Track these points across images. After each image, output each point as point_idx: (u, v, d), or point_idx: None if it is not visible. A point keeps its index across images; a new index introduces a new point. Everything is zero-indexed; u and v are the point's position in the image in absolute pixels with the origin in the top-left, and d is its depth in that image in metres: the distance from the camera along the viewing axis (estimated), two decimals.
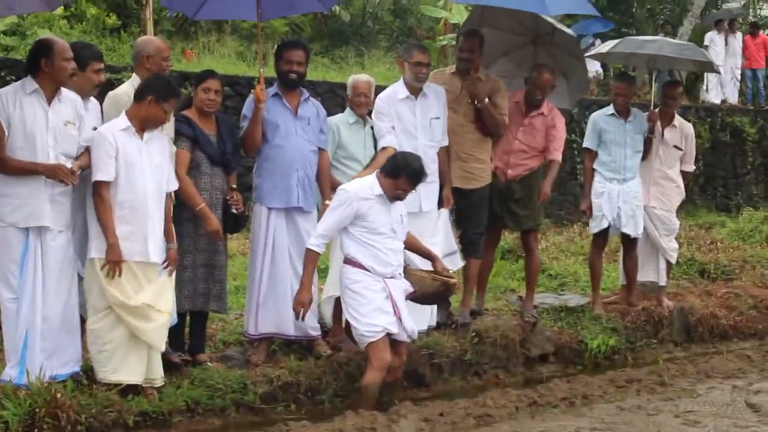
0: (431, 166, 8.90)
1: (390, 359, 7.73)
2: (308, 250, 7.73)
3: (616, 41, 11.25)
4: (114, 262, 7.23)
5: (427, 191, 9.01)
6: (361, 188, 7.76)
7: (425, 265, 8.22)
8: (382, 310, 7.68)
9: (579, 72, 10.43)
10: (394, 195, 7.76)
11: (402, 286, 7.85)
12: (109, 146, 7.22)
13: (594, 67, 19.57)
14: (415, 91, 9.06)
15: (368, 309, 7.67)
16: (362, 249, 7.71)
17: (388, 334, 7.72)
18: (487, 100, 9.28)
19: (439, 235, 9.12)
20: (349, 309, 7.79)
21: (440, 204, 9.27)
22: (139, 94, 7.42)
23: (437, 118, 9.16)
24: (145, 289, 7.37)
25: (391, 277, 7.78)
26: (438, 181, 9.20)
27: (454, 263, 9.23)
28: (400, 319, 7.75)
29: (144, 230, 7.36)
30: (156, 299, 7.41)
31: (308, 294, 7.78)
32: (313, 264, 7.77)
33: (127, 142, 7.31)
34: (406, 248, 8.01)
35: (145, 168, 7.36)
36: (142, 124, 7.39)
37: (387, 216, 7.76)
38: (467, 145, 9.43)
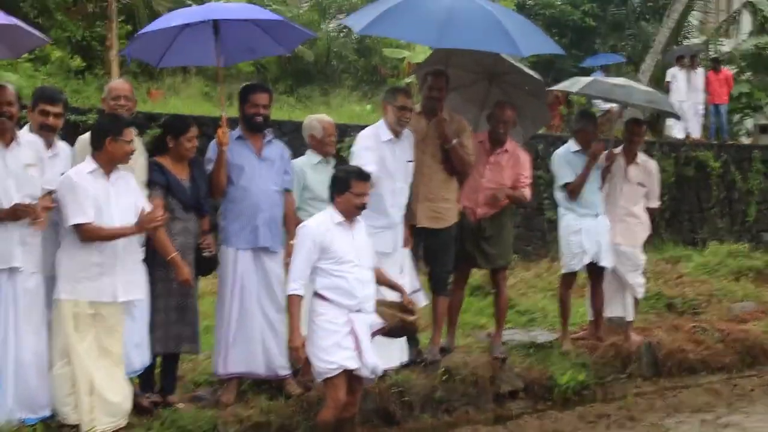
0: (403, 208, 9.13)
1: (344, 397, 7.71)
2: (290, 297, 7.67)
3: (585, 81, 11.21)
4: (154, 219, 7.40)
5: (395, 232, 9.11)
6: (320, 221, 7.79)
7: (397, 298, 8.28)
8: (340, 345, 7.63)
9: (534, 109, 10.44)
10: (358, 206, 7.77)
11: (368, 321, 7.81)
12: (81, 189, 7.24)
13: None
14: (396, 134, 9.13)
15: (326, 343, 7.64)
16: (327, 281, 7.68)
17: (348, 371, 7.72)
18: (455, 140, 9.33)
19: (405, 274, 9.16)
20: (309, 343, 7.79)
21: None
22: (96, 142, 7.44)
23: (410, 161, 9.23)
24: (112, 337, 7.40)
25: (358, 311, 7.74)
26: (404, 221, 9.28)
27: (419, 301, 9.25)
28: (360, 355, 7.75)
29: (112, 271, 7.38)
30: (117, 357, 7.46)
31: (299, 339, 7.72)
32: (298, 308, 7.67)
33: (95, 185, 7.33)
34: (376, 281, 8.05)
35: (112, 211, 7.38)
36: (111, 164, 7.42)
37: (350, 243, 7.76)
38: (435, 185, 9.43)
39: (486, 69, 10.23)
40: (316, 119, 9.35)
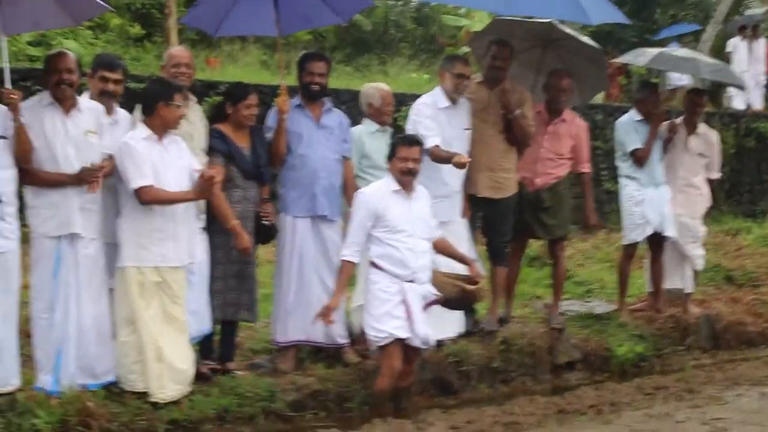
0: (462, 177, 9.10)
1: (399, 366, 7.77)
2: (343, 262, 7.80)
3: (651, 54, 10.97)
4: (212, 179, 7.40)
5: (453, 201, 9.10)
6: (377, 188, 7.87)
7: (461, 270, 8.26)
8: (391, 314, 7.70)
9: (592, 75, 10.29)
10: (406, 170, 7.79)
11: (421, 292, 7.84)
12: (138, 154, 7.28)
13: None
14: (454, 101, 9.11)
15: (378, 312, 7.73)
16: (381, 250, 7.76)
17: (402, 340, 7.76)
18: (518, 111, 9.28)
19: (464, 245, 9.15)
20: (364, 310, 7.88)
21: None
22: (147, 108, 7.47)
23: (468, 129, 9.21)
24: (176, 304, 7.47)
25: (411, 281, 7.79)
26: (463, 191, 9.28)
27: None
28: (411, 325, 7.77)
29: (175, 236, 7.45)
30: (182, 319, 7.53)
31: (336, 302, 7.86)
32: (347, 274, 7.83)
33: (151, 151, 7.37)
34: (439, 252, 8.06)
35: (169, 174, 7.42)
36: (163, 129, 7.45)
37: (406, 213, 7.80)
38: (496, 155, 9.39)
39: (540, 36, 10.11)
40: (374, 87, 9.36)
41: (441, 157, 8.70)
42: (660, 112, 10.53)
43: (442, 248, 8.14)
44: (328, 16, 9.33)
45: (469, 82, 9.17)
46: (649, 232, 10.53)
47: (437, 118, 9.01)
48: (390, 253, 7.74)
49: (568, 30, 9.96)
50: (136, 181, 7.26)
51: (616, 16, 9.80)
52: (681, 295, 11.01)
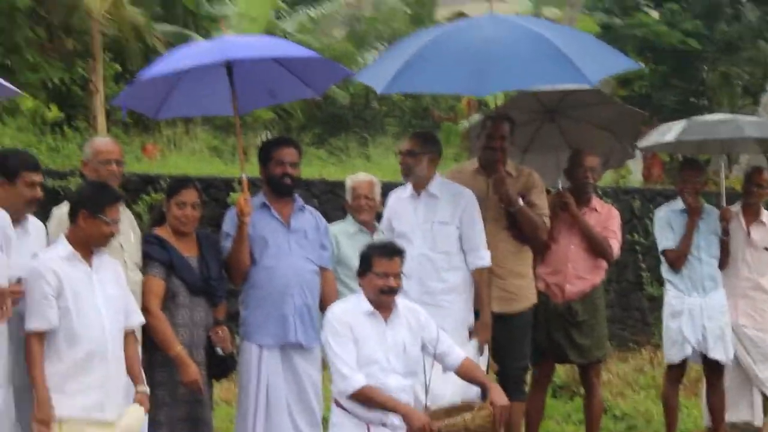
0: (428, 284, 8.88)
1: None
2: (361, 391, 7.50)
3: (680, 125, 10.93)
4: (43, 423, 7.08)
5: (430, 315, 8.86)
6: (345, 309, 7.76)
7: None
8: None
9: (605, 145, 10.42)
10: (382, 289, 7.64)
11: None
12: (46, 286, 7.09)
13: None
14: (418, 186, 9.09)
15: None
16: None
17: None
18: (520, 200, 9.21)
19: None
20: None
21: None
22: (71, 213, 7.35)
23: (445, 223, 9.03)
24: None
25: (382, 424, 7.57)
26: (452, 306, 8.98)
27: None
28: None
29: (101, 381, 7.31)
30: None
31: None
32: (380, 393, 7.54)
33: (73, 273, 7.20)
34: (463, 377, 7.88)
35: (98, 302, 7.24)
36: (87, 246, 7.30)
37: (381, 342, 7.67)
38: (502, 257, 9.25)
39: (548, 106, 10.26)
40: (351, 177, 9.40)
41: None
42: (695, 203, 10.49)
43: (466, 372, 7.87)
44: (297, 90, 9.39)
45: (415, 160, 9.06)
46: (688, 351, 10.46)
47: (395, 207, 9.09)
48: None
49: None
50: (31, 322, 7.10)
51: (620, 63, 9.77)
52: (750, 429, 10.96)
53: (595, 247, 9.85)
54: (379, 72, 9.17)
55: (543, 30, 8.83)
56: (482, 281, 9.05)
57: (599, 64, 8.89)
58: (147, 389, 7.52)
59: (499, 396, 7.61)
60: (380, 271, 7.65)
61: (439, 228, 9.01)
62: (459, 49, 8.71)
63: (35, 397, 7.07)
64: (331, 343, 7.66)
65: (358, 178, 9.34)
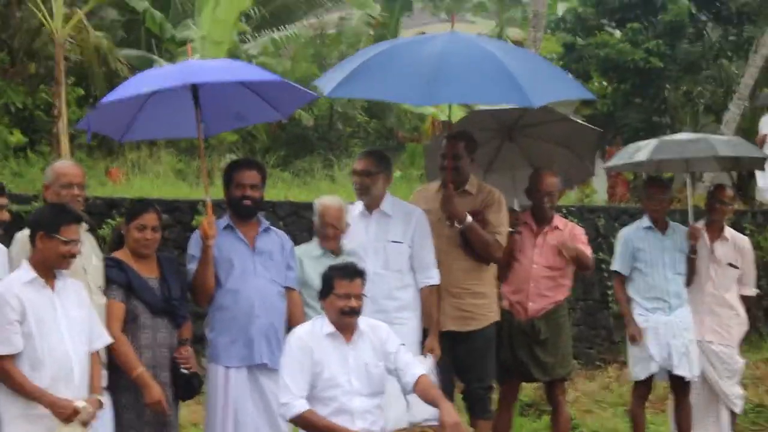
0: (381, 302, 8.86)
1: None
2: (302, 417, 7.57)
3: (649, 146, 10.95)
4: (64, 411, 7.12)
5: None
6: (311, 328, 7.81)
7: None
8: None
9: (565, 162, 10.46)
10: (343, 310, 7.68)
11: None
12: (9, 310, 7.10)
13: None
14: (371, 206, 9.18)
15: None
16: (317, 409, 7.61)
17: None
18: (469, 218, 9.20)
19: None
20: None
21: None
22: (31, 236, 7.36)
23: (397, 242, 9.13)
24: None
25: None
26: (408, 322, 9.06)
27: None
28: None
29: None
30: None
31: None
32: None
33: (36, 298, 7.21)
34: (421, 397, 7.83)
35: (61, 326, 7.27)
36: (48, 269, 7.31)
37: (343, 363, 7.69)
38: (457, 276, 9.32)
39: (505, 124, 10.31)
40: (319, 202, 9.39)
41: None
42: (662, 221, 10.63)
43: (422, 391, 7.82)
44: (265, 113, 9.43)
45: (370, 180, 9.15)
46: (653, 369, 10.51)
47: (354, 227, 9.11)
48: (325, 413, 7.58)
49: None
50: None
51: (571, 91, 9.83)
52: None
53: (579, 263, 9.95)
54: (331, 77, 9.29)
55: (496, 50, 8.92)
56: (431, 299, 9.15)
57: (548, 89, 8.99)
58: (101, 398, 7.52)
59: (449, 414, 7.55)
60: (341, 292, 7.70)
61: (393, 247, 9.12)
62: (411, 60, 8.82)
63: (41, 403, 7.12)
64: (283, 366, 7.74)
65: (326, 202, 9.22)
